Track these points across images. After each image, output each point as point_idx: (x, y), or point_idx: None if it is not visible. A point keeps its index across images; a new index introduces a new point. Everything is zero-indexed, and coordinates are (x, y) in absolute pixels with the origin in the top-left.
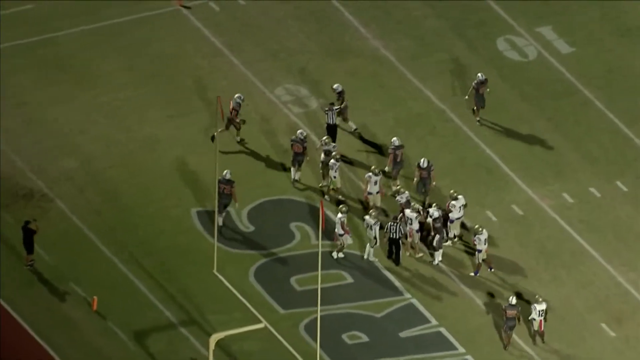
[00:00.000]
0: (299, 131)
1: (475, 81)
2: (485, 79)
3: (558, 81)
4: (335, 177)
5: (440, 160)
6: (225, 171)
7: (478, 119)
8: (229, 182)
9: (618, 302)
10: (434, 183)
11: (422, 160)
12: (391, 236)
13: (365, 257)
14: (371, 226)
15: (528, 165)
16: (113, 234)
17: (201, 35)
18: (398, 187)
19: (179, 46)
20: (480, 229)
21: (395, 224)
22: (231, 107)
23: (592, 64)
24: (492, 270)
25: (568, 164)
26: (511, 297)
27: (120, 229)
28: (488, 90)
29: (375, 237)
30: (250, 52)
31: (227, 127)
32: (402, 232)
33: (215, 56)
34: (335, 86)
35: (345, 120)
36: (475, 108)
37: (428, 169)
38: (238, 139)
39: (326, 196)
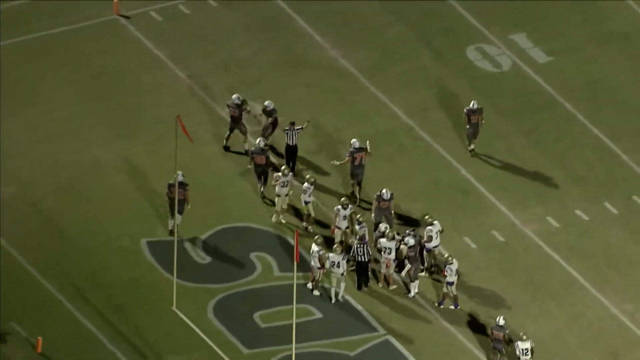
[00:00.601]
0: (258, 139)
1: (466, 108)
2: (478, 108)
3: (536, 93)
4: (308, 202)
5: (411, 182)
6: (177, 173)
7: (470, 148)
8: (182, 185)
9: (613, 336)
10: (392, 212)
11: (384, 191)
12: (359, 259)
13: (334, 300)
14: (338, 262)
15: (507, 187)
16: (57, 267)
17: (143, 47)
18: (358, 217)
19: (119, 59)
20: (450, 259)
21: (362, 246)
22: (233, 112)
23: (572, 75)
24: (443, 306)
25: (551, 184)
26: (499, 318)
27: (65, 262)
28: (483, 121)
29: (343, 274)
30: (197, 65)
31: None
32: (370, 254)
33: (159, 69)
34: (266, 103)
35: (265, 137)
36: (467, 138)
37: (390, 199)
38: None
39: (304, 223)
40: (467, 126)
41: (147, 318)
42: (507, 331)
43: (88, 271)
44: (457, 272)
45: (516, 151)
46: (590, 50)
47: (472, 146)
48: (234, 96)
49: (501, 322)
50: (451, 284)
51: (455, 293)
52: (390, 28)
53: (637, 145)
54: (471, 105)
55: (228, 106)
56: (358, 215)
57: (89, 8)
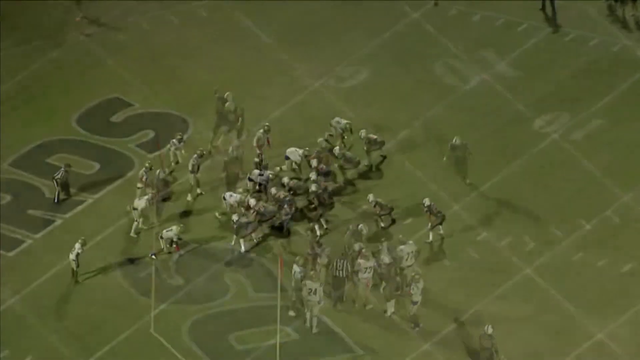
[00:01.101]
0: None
1: (450, 143)
2: (462, 144)
3: (505, 109)
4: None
5: (384, 199)
6: (157, 171)
7: (467, 182)
8: (167, 183)
9: (594, 357)
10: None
11: (360, 226)
12: (337, 274)
13: (315, 329)
14: (315, 289)
15: (481, 204)
16: (29, 290)
17: (106, 65)
18: (317, 239)
19: (83, 78)
20: (417, 277)
21: (341, 261)
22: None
23: (540, 89)
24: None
25: (525, 201)
26: (487, 327)
27: (37, 285)
28: (471, 154)
29: (319, 302)
30: (164, 83)
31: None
32: (349, 271)
33: (124, 86)
34: (226, 96)
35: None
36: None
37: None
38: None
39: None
40: (454, 161)
41: (124, 341)
42: (494, 340)
43: (61, 293)
44: (422, 292)
45: (488, 168)
46: (558, 64)
47: (467, 180)
48: (227, 93)
49: (489, 330)
50: (415, 303)
51: (415, 312)
52: (358, 44)
53: (611, 160)
54: (454, 141)
55: (218, 99)
56: (317, 238)
57: (52, 26)
